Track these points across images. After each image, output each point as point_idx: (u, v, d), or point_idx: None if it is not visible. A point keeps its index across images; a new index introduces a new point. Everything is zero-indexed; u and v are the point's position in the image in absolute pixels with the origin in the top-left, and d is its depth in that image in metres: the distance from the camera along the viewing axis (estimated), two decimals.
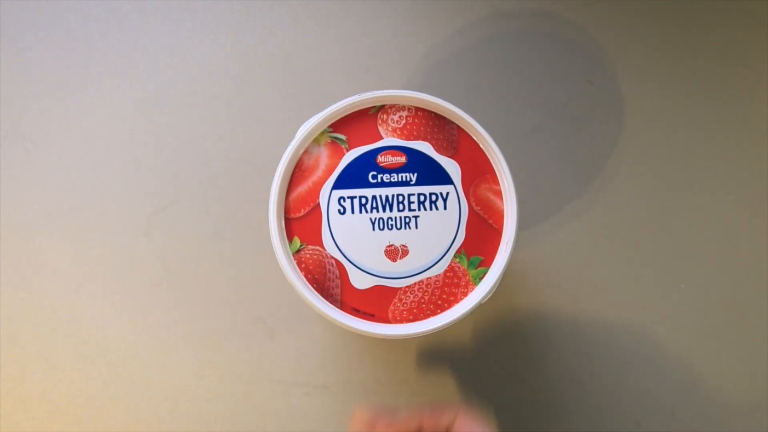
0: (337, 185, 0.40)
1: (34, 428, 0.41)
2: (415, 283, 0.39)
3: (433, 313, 0.38)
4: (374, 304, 0.39)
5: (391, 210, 0.40)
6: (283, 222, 0.39)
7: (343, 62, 0.43)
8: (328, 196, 0.39)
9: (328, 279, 0.39)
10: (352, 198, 0.40)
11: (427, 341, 0.39)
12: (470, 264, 0.39)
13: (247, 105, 0.43)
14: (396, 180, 0.40)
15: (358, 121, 0.39)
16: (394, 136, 0.40)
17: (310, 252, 0.39)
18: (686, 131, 0.43)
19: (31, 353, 0.41)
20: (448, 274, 0.39)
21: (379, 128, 0.40)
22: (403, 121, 0.39)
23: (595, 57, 0.43)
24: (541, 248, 0.42)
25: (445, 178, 0.40)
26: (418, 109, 0.39)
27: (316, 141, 0.39)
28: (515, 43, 0.44)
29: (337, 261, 0.40)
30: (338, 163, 0.40)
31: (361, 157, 0.40)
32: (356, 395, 0.41)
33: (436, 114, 0.39)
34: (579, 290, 0.42)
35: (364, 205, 0.40)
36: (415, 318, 0.38)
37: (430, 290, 0.39)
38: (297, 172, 0.39)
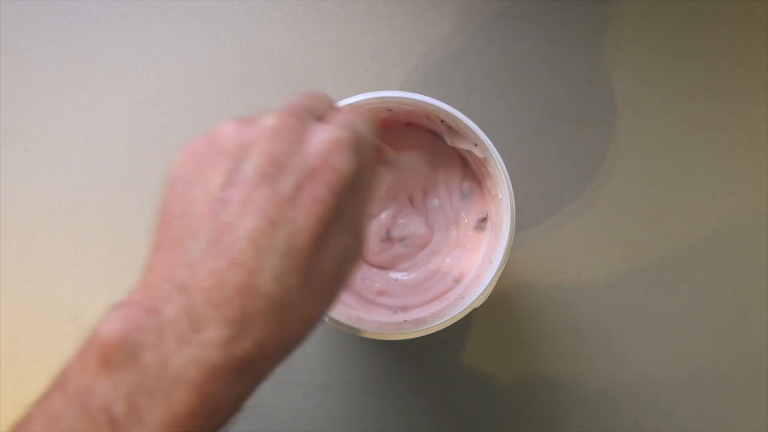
0: None
1: None
2: None
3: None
4: None
5: None
6: None
7: (343, 62, 0.43)
8: None
9: None
10: None
11: (426, 342, 0.39)
12: None
13: (247, 105, 0.43)
14: None
15: None
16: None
17: None
18: (686, 131, 0.43)
19: (31, 353, 0.41)
20: None
21: None
22: None
23: (595, 57, 0.43)
24: (541, 248, 0.42)
25: None
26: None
27: None
28: (515, 42, 0.44)
29: None
30: None
31: None
32: (356, 395, 0.41)
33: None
34: (579, 290, 0.42)
35: None
36: None
37: None
38: None
